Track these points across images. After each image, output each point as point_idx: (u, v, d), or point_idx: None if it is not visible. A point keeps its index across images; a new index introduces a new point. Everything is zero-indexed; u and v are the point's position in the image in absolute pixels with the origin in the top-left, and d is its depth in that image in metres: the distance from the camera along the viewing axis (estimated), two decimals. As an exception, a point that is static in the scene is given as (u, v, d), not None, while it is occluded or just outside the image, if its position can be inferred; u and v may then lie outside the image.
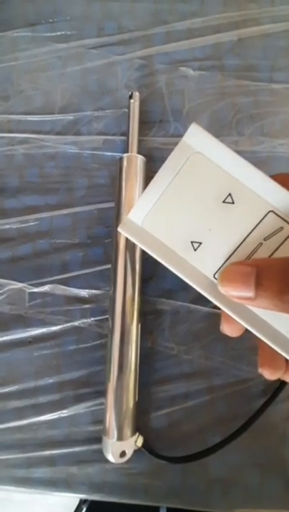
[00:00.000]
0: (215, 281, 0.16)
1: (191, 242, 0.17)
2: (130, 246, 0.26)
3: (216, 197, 0.16)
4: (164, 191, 0.17)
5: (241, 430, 0.26)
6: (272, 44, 0.32)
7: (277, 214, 0.16)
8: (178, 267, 0.17)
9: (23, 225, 0.30)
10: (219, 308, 0.17)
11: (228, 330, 0.19)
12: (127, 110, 0.30)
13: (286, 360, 0.16)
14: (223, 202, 0.16)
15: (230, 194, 0.16)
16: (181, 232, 0.17)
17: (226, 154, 0.16)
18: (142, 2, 0.33)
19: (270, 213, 0.16)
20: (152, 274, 0.29)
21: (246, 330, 0.17)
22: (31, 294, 0.29)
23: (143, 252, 0.27)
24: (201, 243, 0.16)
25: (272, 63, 0.32)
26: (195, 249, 0.17)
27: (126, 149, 0.29)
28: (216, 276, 0.16)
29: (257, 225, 0.16)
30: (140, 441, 0.26)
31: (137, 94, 0.29)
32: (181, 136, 0.16)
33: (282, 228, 0.16)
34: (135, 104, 0.29)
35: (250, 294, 0.14)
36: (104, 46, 0.32)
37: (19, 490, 0.27)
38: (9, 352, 0.29)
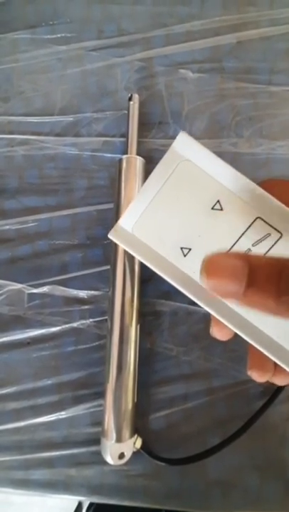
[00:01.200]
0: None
1: (181, 248, 0.17)
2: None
3: (205, 204, 0.16)
4: (154, 198, 0.17)
5: (241, 432, 0.26)
6: (271, 47, 0.32)
7: (264, 220, 0.16)
8: (168, 272, 0.17)
9: (23, 226, 0.30)
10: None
11: (217, 334, 0.19)
12: (126, 112, 0.30)
13: (275, 363, 0.16)
14: (212, 209, 0.16)
15: (218, 201, 0.16)
16: (170, 239, 0.17)
17: (214, 162, 0.16)
18: (141, 5, 0.33)
19: (258, 220, 0.16)
20: (151, 276, 0.29)
21: (235, 334, 0.17)
22: (30, 294, 0.29)
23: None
24: (190, 249, 0.17)
25: (272, 66, 0.32)
26: (185, 255, 0.17)
27: (125, 151, 0.29)
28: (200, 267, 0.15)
29: (245, 232, 0.16)
30: (139, 443, 0.26)
31: (136, 96, 0.30)
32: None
33: (269, 234, 0.16)
34: (135, 105, 0.29)
35: (241, 290, 0.13)
36: (104, 48, 0.32)
37: (17, 492, 0.27)
38: (8, 353, 0.29)
